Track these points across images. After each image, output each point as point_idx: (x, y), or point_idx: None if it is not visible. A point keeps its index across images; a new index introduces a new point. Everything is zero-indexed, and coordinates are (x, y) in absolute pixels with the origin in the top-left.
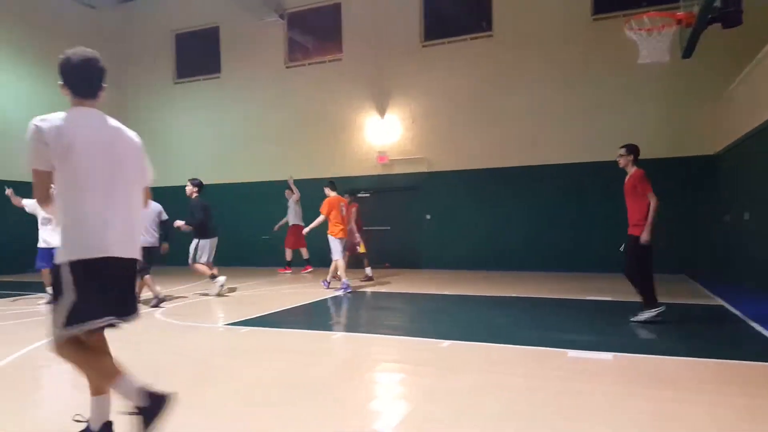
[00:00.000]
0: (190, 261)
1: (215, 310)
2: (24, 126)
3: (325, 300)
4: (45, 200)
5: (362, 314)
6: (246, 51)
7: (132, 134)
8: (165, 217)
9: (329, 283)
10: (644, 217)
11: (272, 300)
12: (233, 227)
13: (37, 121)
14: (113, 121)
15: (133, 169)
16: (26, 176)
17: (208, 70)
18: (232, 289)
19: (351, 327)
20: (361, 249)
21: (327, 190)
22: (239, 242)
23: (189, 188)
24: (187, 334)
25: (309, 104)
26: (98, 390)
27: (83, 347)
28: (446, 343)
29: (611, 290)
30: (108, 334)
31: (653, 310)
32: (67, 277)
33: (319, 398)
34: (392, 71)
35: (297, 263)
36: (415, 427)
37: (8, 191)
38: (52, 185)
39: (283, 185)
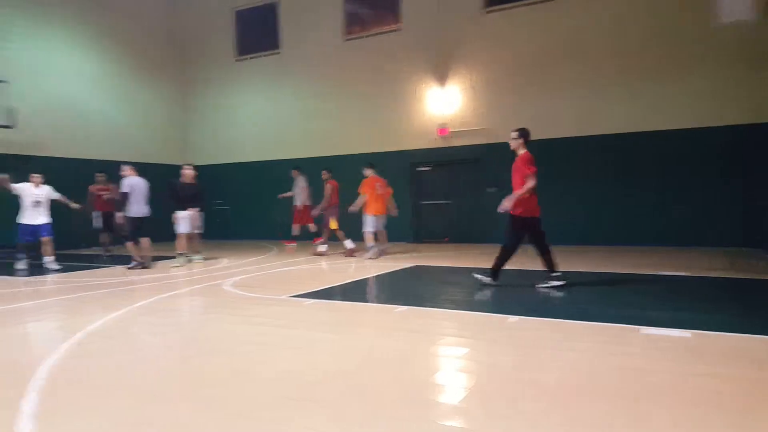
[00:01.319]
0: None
1: (276, 283)
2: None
3: (386, 275)
4: None
5: (425, 288)
6: (304, 25)
7: None
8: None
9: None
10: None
11: (331, 273)
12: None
13: None
14: None
15: None
16: (103, 155)
17: (268, 46)
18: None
19: (414, 301)
20: (333, 225)
21: (366, 171)
22: None
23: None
24: (255, 305)
25: (368, 77)
26: None
27: None
28: (514, 318)
29: (686, 266)
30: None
31: (490, 278)
32: None
33: (382, 369)
34: (453, 40)
35: (291, 238)
36: (480, 400)
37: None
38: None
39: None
